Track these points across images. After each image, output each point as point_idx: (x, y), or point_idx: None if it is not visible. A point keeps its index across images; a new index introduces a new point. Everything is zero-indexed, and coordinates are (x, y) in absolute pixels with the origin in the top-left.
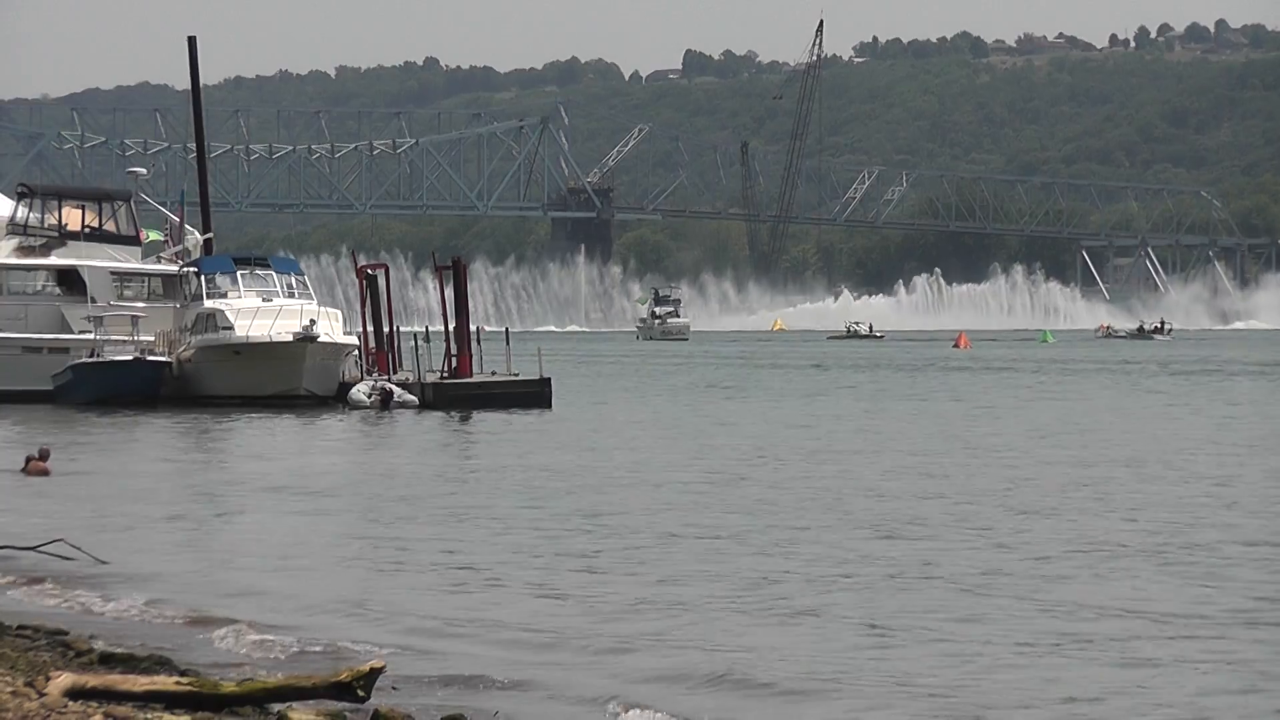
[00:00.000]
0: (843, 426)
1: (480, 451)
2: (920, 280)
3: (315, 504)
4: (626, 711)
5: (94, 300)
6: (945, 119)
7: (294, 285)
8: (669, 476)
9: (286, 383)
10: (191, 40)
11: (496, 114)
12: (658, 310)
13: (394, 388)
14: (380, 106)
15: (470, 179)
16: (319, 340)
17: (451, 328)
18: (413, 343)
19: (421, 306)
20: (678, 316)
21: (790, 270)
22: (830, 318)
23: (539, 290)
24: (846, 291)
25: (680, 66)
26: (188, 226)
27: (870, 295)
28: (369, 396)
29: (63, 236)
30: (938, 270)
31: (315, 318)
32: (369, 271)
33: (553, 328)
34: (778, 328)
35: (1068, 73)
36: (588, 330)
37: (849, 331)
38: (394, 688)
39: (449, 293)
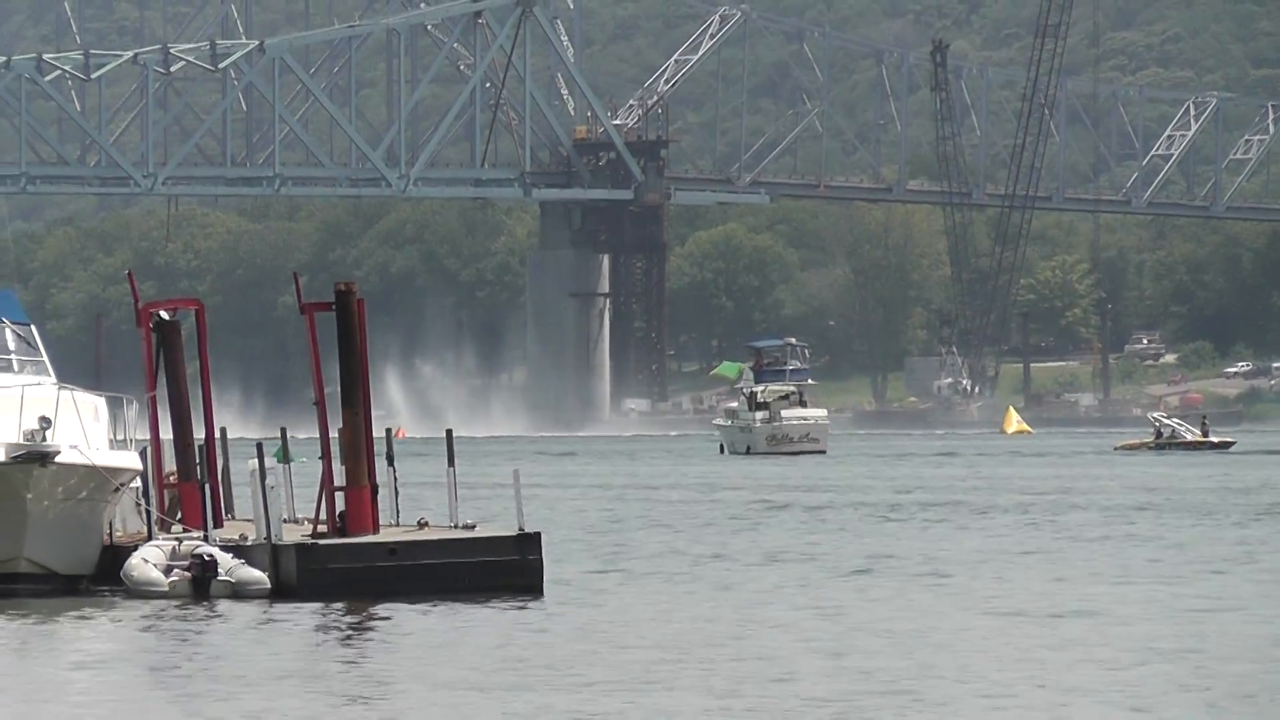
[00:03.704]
0: None
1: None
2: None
3: None
4: None
5: None
6: None
7: (9, 344)
8: None
9: None
10: None
11: None
12: (763, 393)
13: (217, 553)
14: None
15: (373, 124)
16: (58, 461)
17: (336, 431)
18: (255, 462)
19: None
20: (803, 405)
21: (1036, 307)
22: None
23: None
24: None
25: None
26: None
27: (1239, 366)
28: (167, 574)
29: None
30: None
31: (50, 413)
32: (161, 314)
33: (547, 430)
34: (1016, 430)
35: None
36: (614, 434)
37: (1160, 438)
38: None
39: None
